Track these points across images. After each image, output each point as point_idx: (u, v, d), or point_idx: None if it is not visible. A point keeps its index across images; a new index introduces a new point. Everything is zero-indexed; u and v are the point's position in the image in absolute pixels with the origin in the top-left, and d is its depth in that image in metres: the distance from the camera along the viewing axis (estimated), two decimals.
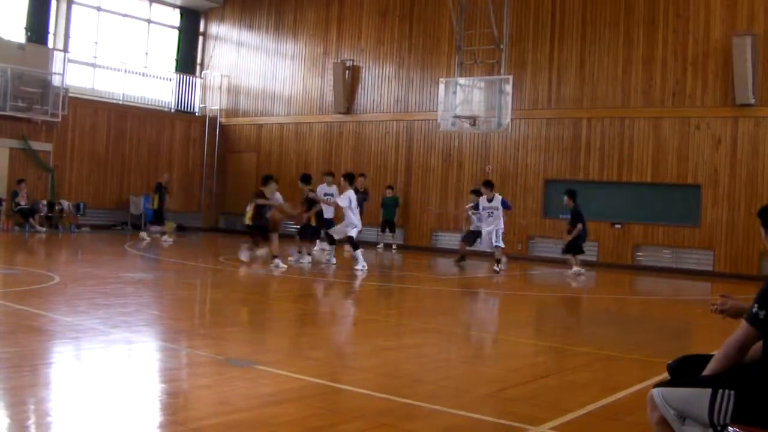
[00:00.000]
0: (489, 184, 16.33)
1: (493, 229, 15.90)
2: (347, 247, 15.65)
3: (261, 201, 14.35)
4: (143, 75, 25.89)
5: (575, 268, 15.74)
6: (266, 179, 14.81)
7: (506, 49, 19.12)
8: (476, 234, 16.69)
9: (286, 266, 13.98)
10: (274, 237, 14.31)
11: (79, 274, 12.47)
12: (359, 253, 14.54)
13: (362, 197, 20.38)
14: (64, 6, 23.62)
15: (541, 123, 20.25)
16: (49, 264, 14.34)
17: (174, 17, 27.06)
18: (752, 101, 17.27)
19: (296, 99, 25.28)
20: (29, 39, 22.54)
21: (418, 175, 22.16)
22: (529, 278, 16.56)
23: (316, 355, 6.87)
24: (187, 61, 27.30)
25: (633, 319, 10.80)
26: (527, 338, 8.62)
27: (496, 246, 16.02)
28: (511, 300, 12.44)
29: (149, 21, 26.23)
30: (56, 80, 22.60)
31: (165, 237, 19.88)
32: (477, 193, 16.84)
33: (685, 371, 3.43)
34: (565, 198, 15.94)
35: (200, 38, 27.73)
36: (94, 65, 24.74)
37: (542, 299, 13.02)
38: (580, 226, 15.62)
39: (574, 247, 15.86)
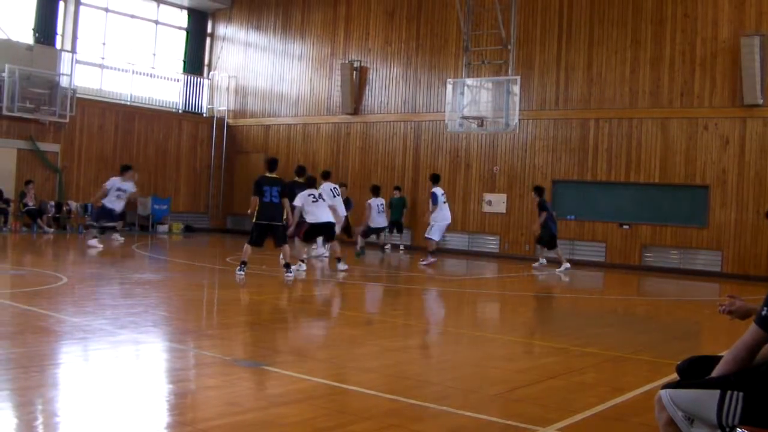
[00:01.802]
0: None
1: (431, 222, 17.35)
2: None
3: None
4: (151, 76, 25.97)
5: (542, 261, 17.68)
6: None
7: (514, 50, 19.12)
8: (375, 229, 18.91)
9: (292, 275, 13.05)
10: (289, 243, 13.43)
11: (86, 275, 12.51)
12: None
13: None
14: (71, 7, 23.71)
15: (548, 124, 20.22)
16: (57, 265, 14.38)
17: (181, 18, 27.14)
18: (760, 101, 17.19)
19: (304, 100, 25.30)
20: (37, 40, 22.63)
21: (426, 175, 22.11)
22: (536, 279, 16.53)
23: (323, 355, 6.88)
24: (195, 62, 27.38)
25: (641, 319, 10.77)
26: (534, 339, 8.61)
27: (427, 238, 17.38)
28: (517, 301, 12.42)
29: (157, 22, 26.30)
30: (64, 81, 22.68)
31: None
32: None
33: (694, 372, 3.42)
34: (533, 194, 17.56)
35: (208, 39, 27.79)
36: (101, 66, 24.82)
37: (549, 300, 13.01)
38: (544, 213, 16.91)
39: (548, 240, 17.18)
